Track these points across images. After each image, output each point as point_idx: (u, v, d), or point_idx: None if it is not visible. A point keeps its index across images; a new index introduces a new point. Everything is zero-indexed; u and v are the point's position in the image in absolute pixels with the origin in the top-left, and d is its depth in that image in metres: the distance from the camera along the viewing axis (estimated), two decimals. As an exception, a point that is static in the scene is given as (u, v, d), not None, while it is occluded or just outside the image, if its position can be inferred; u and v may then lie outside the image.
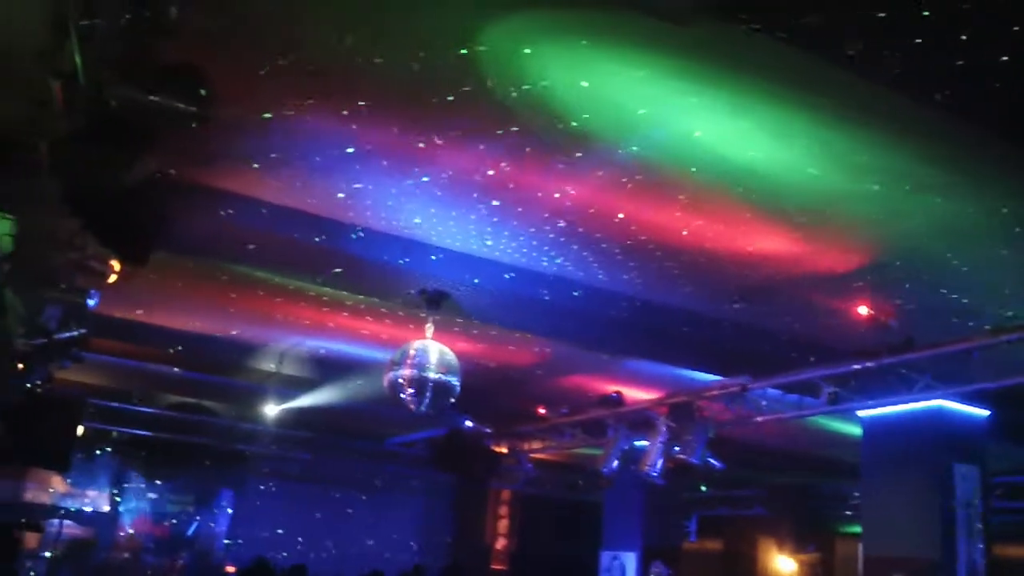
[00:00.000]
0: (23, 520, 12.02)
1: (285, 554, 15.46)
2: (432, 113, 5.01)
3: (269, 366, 10.82)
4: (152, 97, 3.28)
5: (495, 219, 6.46)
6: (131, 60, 3.26)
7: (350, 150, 5.57)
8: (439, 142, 5.34)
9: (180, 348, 9.74)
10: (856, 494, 12.89)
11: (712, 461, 9.35)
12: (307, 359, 10.72)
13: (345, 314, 8.89)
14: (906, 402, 8.42)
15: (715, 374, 9.15)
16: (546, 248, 6.92)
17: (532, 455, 12.87)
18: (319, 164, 5.85)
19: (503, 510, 18.13)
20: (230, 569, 15.03)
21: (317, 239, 6.73)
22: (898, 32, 3.84)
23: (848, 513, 15.39)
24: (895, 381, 8.17)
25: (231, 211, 6.10)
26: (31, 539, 14.22)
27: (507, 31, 4.12)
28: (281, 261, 7.27)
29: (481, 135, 5.28)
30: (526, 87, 4.63)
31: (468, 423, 12.16)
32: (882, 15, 3.69)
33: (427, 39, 4.29)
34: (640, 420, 10.09)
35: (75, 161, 3.76)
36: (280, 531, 16.20)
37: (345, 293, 8.21)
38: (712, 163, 5.16)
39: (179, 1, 3.05)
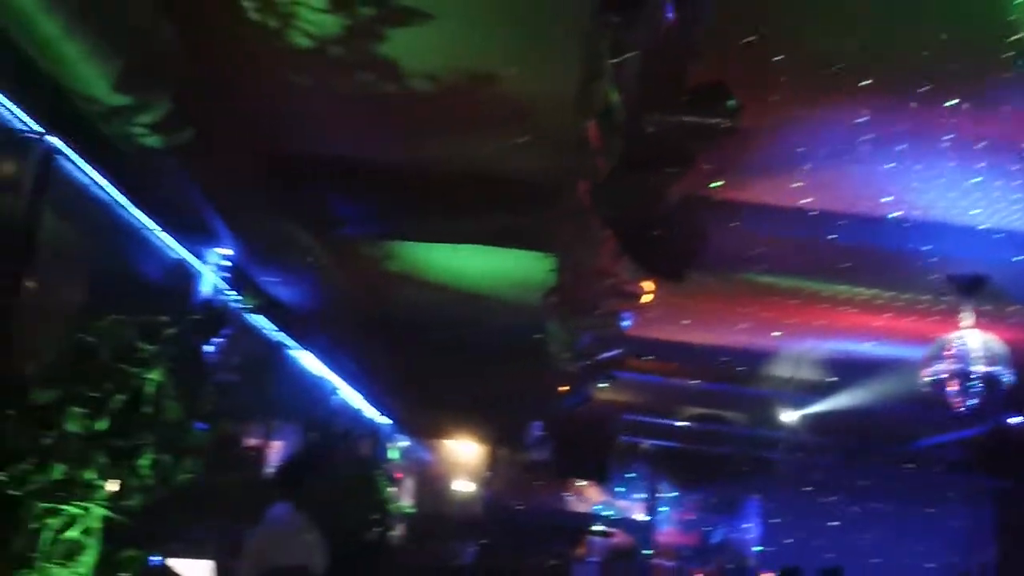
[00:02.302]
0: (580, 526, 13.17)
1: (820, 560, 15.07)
2: (961, 82, 4.58)
3: (785, 372, 10.71)
4: (687, 117, 3.41)
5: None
6: (662, 85, 3.42)
7: (864, 137, 5.31)
8: (968, 111, 4.87)
9: (700, 361, 10.04)
10: None
11: None
12: (823, 362, 10.42)
13: (862, 311, 8.48)
14: None
15: None
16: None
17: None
18: (830, 158, 5.66)
19: (1065, 519, 15.89)
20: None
21: (831, 236, 6.50)
22: None
23: None
24: None
25: (747, 220, 6.14)
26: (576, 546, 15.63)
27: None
28: (796, 264, 7.16)
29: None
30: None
31: (1015, 419, 10.89)
32: None
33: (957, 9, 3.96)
34: None
35: (614, 193, 4.04)
36: (808, 539, 15.87)
37: (862, 289, 7.84)
38: None
39: (707, 22, 3.14)
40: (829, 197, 6.23)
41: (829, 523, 15.65)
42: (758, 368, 10.41)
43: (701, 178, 4.76)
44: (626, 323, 6.64)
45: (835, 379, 10.88)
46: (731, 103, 3.48)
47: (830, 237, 6.57)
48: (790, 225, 6.42)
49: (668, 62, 3.31)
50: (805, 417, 12.60)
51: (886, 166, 5.63)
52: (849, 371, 10.48)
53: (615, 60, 3.44)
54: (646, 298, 5.73)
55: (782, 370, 10.55)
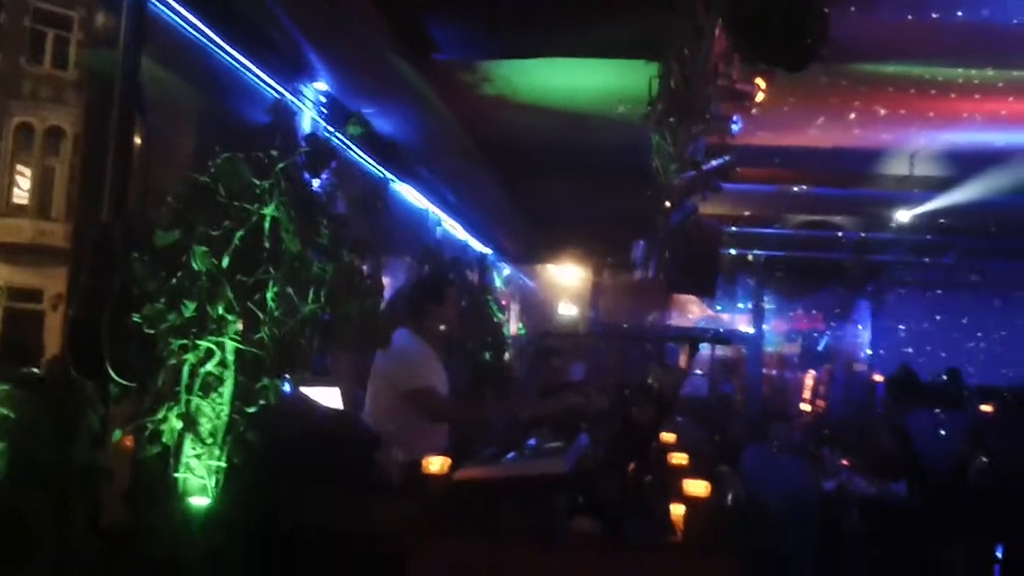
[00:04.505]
0: (687, 340, 13.24)
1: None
2: None
3: (899, 171, 10.27)
4: None
5: None
6: None
7: None
8: None
9: (810, 165, 9.69)
10: None
11: None
12: (941, 156, 9.93)
13: (984, 97, 7.94)
14: None
15: None
16: None
17: None
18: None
19: None
20: (877, 378, 15.07)
21: (959, 13, 6.01)
22: None
23: None
24: None
25: (861, 2, 5.71)
26: (681, 359, 15.78)
27: None
28: (914, 49, 6.69)
29: None
30: None
31: None
32: None
33: None
34: None
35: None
36: (921, 341, 15.70)
37: (987, 71, 7.30)
38: None
39: None
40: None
41: (946, 322, 15.41)
42: (871, 168, 10.01)
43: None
44: (735, 127, 6.35)
45: (952, 173, 10.40)
46: None
47: (958, 14, 6.07)
48: (906, 6, 5.96)
49: None
50: (920, 216, 12.18)
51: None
52: (967, 164, 9.99)
53: None
54: (760, 96, 5.43)
55: (894, 168, 10.13)
